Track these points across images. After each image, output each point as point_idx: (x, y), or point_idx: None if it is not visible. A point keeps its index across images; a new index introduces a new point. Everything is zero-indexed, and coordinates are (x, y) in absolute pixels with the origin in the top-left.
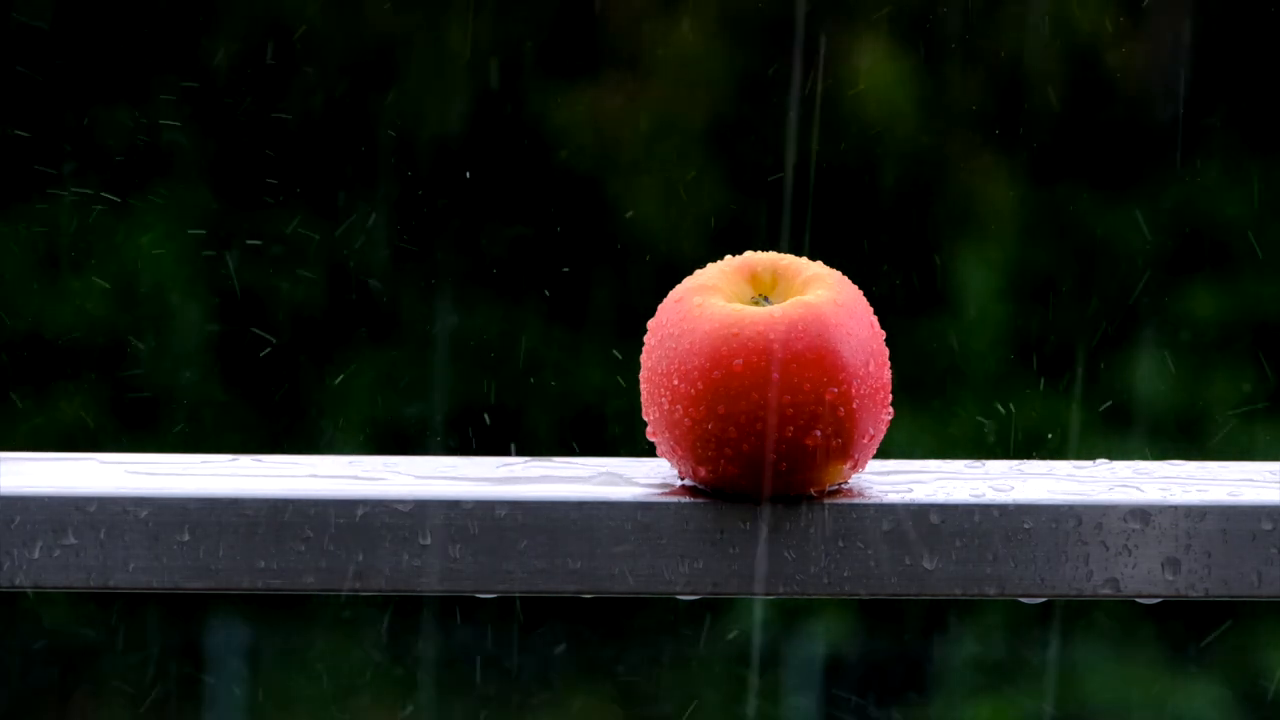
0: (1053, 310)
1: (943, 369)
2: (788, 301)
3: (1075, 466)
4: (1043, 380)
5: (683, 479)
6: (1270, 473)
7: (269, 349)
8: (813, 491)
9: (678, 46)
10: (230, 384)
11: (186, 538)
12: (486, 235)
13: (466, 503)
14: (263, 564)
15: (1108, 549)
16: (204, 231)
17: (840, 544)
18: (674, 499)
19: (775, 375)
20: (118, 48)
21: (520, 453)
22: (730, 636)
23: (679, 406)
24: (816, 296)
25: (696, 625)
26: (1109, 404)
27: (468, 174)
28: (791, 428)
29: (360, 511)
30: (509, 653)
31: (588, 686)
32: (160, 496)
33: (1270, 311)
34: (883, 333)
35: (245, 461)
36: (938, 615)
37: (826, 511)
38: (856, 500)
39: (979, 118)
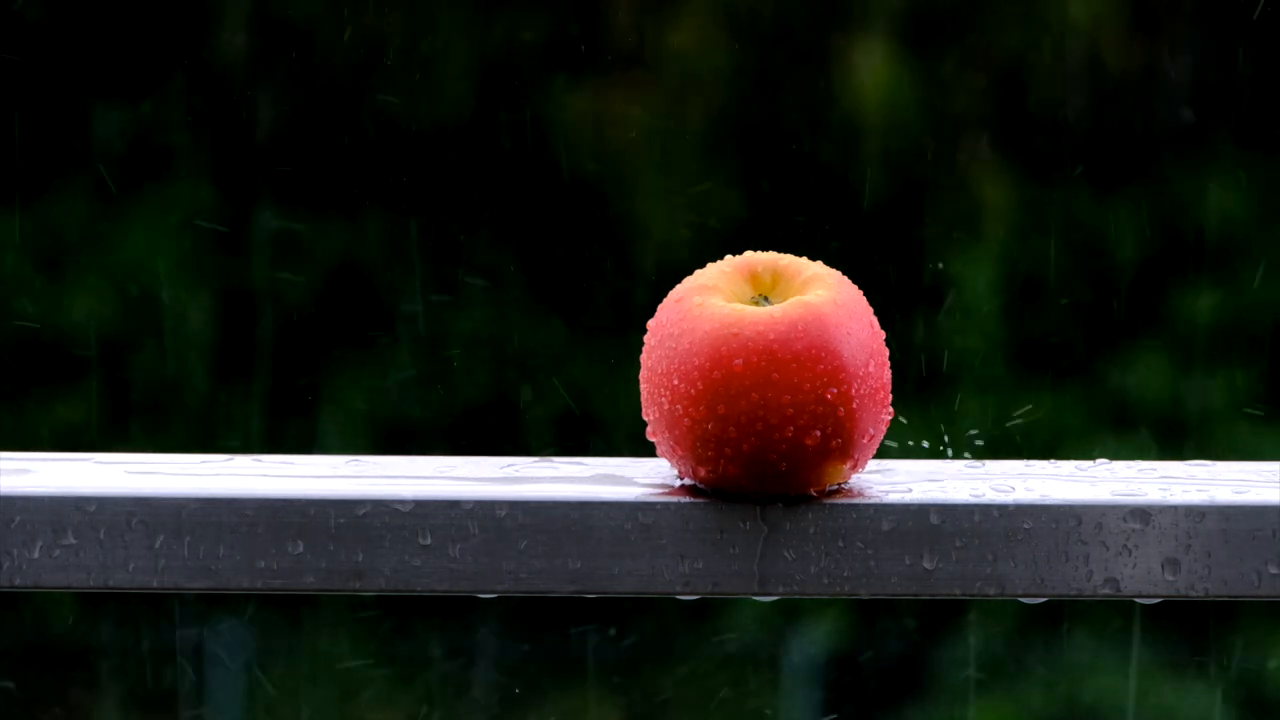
0: (1052, 310)
1: (942, 369)
2: (788, 301)
3: (1075, 466)
4: (1042, 380)
5: (683, 479)
6: (1270, 473)
7: (269, 348)
8: (813, 491)
9: (679, 46)
10: (230, 383)
11: (186, 538)
12: (487, 235)
13: (466, 503)
14: (263, 564)
15: (1108, 549)
16: (204, 230)
17: (840, 544)
18: (674, 499)
19: (775, 375)
20: (118, 45)
21: (520, 453)
22: (729, 636)
23: (679, 406)
24: (816, 296)
25: (696, 625)
26: (1109, 404)
27: (468, 173)
28: (791, 428)
29: (360, 511)
30: (509, 652)
31: (588, 686)
32: (160, 496)
33: (1270, 311)
34: (882, 333)
35: (244, 461)
36: (938, 615)
37: (826, 511)
38: (856, 500)
39: (978, 117)
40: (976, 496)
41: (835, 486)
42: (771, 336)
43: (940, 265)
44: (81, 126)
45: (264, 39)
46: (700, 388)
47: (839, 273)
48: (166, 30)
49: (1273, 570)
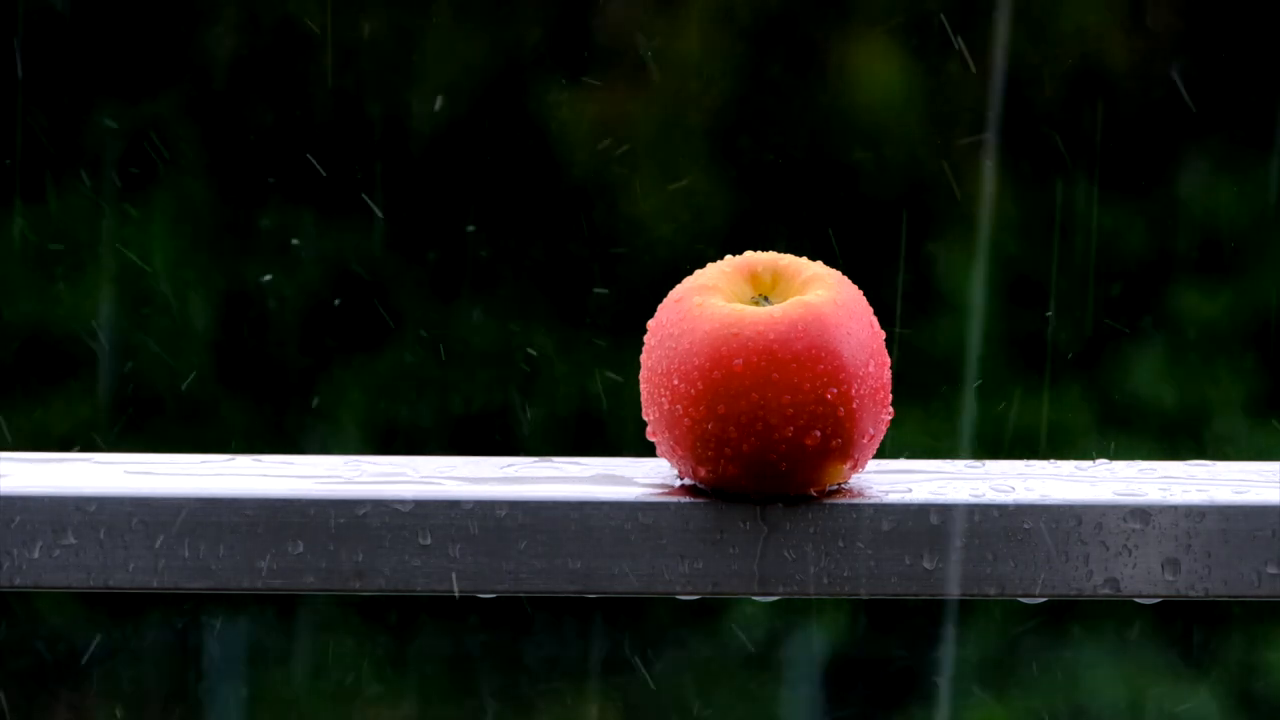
0: (1052, 310)
1: (942, 369)
2: (788, 301)
3: (1075, 466)
4: (1042, 380)
5: (683, 479)
6: (1270, 473)
7: (269, 349)
8: (813, 491)
9: (678, 46)
10: (230, 384)
11: (186, 538)
12: (486, 235)
13: (466, 503)
14: (263, 564)
15: (1108, 549)
16: (204, 231)
17: (840, 544)
18: (674, 499)
19: (775, 375)
20: (118, 45)
21: (520, 453)
22: (730, 636)
23: (679, 406)
24: (816, 296)
25: (696, 625)
26: (1109, 404)
27: (467, 174)
28: (791, 428)
29: (360, 511)
30: (509, 652)
31: (587, 686)
32: (160, 496)
33: (1271, 311)
34: (883, 333)
35: (244, 461)
36: (938, 615)
37: (826, 511)
38: (856, 500)
39: (978, 117)
40: (976, 496)
41: (835, 486)
42: (771, 336)
43: (940, 265)
44: (83, 125)
45: (263, 38)
46: (700, 388)
47: (839, 273)
48: (166, 29)
49: (1272, 570)
